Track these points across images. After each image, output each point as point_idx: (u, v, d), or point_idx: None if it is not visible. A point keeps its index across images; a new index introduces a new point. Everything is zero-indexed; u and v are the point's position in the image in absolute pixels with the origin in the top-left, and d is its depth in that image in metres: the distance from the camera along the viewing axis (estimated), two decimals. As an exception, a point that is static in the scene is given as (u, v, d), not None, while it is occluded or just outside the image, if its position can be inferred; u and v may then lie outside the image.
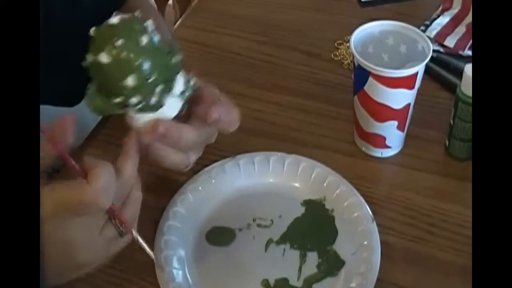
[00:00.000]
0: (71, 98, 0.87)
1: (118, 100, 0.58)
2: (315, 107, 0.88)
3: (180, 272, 0.68)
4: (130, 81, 0.56)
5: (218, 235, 0.72)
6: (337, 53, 0.97)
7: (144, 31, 0.58)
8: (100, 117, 0.88)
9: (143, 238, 0.62)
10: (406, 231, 0.73)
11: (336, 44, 0.98)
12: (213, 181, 0.76)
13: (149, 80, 0.57)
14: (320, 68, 0.95)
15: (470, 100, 0.73)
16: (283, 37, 1.01)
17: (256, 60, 0.97)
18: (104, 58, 0.55)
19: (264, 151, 0.79)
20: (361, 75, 0.74)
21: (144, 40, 0.57)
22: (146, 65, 0.57)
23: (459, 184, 0.77)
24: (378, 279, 0.66)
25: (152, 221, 0.72)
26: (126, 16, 0.58)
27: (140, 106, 0.59)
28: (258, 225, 0.73)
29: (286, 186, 0.77)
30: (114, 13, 0.58)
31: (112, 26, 0.57)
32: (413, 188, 0.77)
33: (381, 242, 0.69)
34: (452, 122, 0.78)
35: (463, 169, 0.78)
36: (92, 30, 0.57)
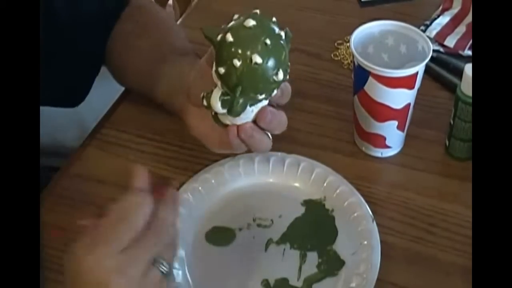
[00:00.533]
0: (73, 98, 0.87)
1: (262, 96, 0.61)
2: (315, 107, 0.88)
3: (180, 272, 0.68)
4: (280, 75, 0.59)
5: (218, 235, 0.72)
6: (337, 53, 0.96)
7: (275, 25, 0.60)
8: (100, 117, 0.88)
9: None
10: (406, 231, 0.73)
11: (336, 44, 0.98)
12: (213, 181, 0.76)
13: (288, 70, 0.61)
14: (320, 68, 0.94)
15: (470, 100, 0.73)
16: (283, 37, 1.01)
17: (256, 60, 0.97)
18: (258, 58, 0.57)
19: (264, 151, 0.79)
20: (361, 75, 0.74)
21: (283, 34, 0.60)
22: (287, 58, 0.60)
23: (459, 184, 0.77)
24: (378, 279, 0.66)
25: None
26: (256, 15, 0.60)
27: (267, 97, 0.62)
28: (258, 225, 0.73)
29: (286, 186, 0.77)
30: (235, 16, 0.60)
31: (253, 27, 0.59)
32: (413, 188, 0.77)
33: (381, 242, 0.69)
34: (452, 122, 0.78)
35: (463, 169, 0.78)
36: (229, 35, 0.58)
